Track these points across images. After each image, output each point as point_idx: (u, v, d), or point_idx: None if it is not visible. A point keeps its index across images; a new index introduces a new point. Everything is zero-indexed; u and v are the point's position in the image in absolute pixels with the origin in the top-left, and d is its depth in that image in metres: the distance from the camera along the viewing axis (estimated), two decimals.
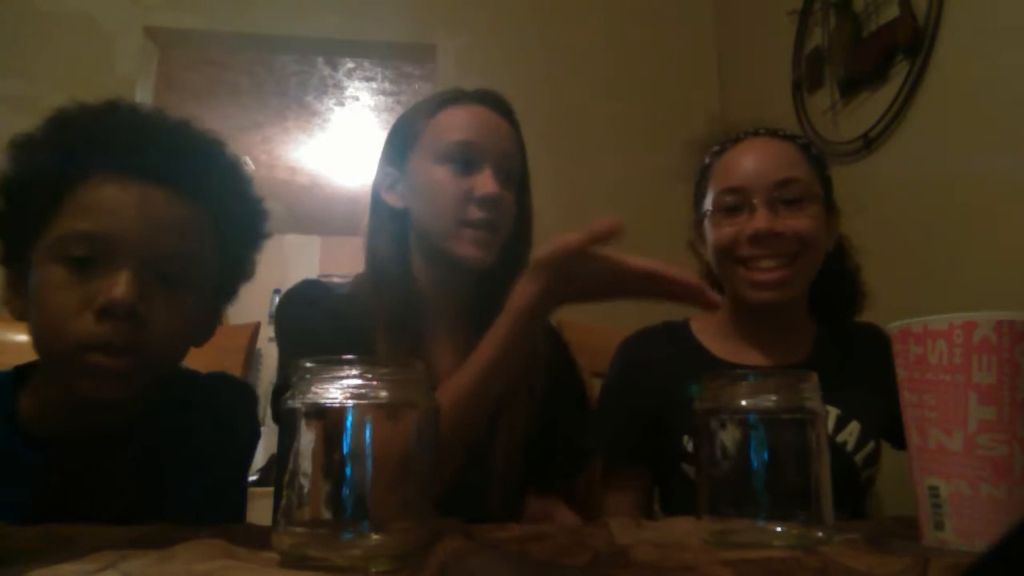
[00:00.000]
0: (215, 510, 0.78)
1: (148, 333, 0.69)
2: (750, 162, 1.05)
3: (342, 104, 4.16)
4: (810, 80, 2.06)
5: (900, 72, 1.67)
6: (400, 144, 1.06)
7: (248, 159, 4.90)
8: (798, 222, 1.01)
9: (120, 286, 0.67)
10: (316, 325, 0.94)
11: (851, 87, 1.86)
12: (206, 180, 0.76)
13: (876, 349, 1.09)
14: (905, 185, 1.65)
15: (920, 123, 1.62)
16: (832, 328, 1.13)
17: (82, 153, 0.71)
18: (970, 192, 1.46)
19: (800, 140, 1.10)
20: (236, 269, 0.84)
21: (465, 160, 1.00)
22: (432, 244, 1.01)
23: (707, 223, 1.08)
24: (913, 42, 1.63)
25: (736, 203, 1.04)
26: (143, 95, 2.53)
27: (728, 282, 1.08)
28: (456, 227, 0.98)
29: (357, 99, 4.09)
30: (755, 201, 1.02)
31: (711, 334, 1.12)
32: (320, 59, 3.61)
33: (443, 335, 1.03)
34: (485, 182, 0.98)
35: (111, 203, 0.70)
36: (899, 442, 1.05)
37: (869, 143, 1.75)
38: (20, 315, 0.74)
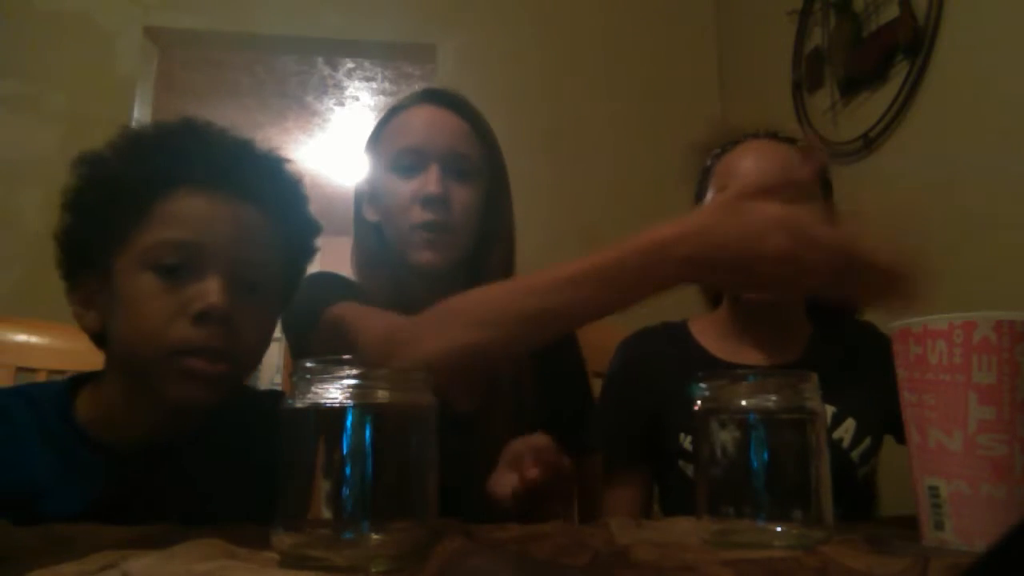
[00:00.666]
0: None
1: (239, 339, 0.72)
2: (749, 163, 1.06)
3: (342, 104, 4.16)
4: (810, 80, 2.06)
5: (900, 72, 1.67)
6: (368, 158, 1.08)
7: None
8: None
9: (215, 292, 0.70)
10: (341, 291, 0.96)
11: (851, 87, 1.86)
12: (278, 193, 0.80)
13: (874, 347, 1.10)
14: (907, 183, 1.65)
15: (920, 123, 1.63)
16: (828, 327, 1.13)
17: (166, 166, 0.74)
18: (970, 192, 1.46)
19: (799, 142, 1.11)
20: (293, 281, 0.87)
21: (409, 164, 1.00)
22: (396, 253, 1.02)
23: None
24: (913, 42, 1.63)
25: None
26: (143, 95, 2.53)
27: None
28: (407, 232, 0.99)
29: (357, 99, 4.09)
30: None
31: (709, 334, 1.13)
32: (320, 59, 3.61)
33: None
34: (427, 182, 0.98)
35: (200, 213, 0.73)
36: (902, 437, 1.06)
37: (869, 143, 1.75)
38: (93, 328, 0.76)
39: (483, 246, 1.05)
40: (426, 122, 1.02)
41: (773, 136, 1.10)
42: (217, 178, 0.74)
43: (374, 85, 3.92)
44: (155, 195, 0.73)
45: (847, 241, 0.62)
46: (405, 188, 0.99)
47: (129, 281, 0.72)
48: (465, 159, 1.01)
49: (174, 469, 0.76)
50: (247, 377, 0.80)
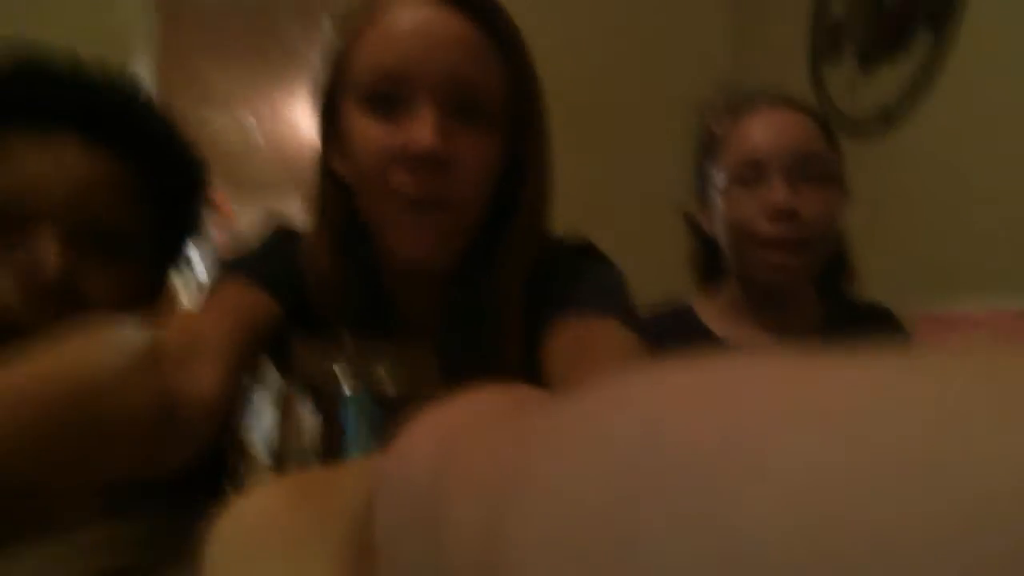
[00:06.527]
0: None
1: (87, 304, 0.65)
2: (770, 133, 1.00)
3: None
4: (828, 50, 2.00)
5: (925, 40, 1.61)
6: (331, 79, 0.71)
7: (253, 120, 4.85)
8: (817, 206, 0.97)
9: (49, 254, 0.62)
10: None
11: (872, 57, 1.80)
12: (124, 128, 0.70)
13: (883, 330, 1.07)
14: (930, 161, 1.60)
15: (946, 95, 1.56)
16: (838, 303, 1.10)
17: None
18: (998, 170, 1.41)
19: (816, 114, 1.06)
20: (175, 224, 0.78)
21: (388, 97, 0.64)
22: (370, 232, 0.71)
23: (720, 196, 1.04)
24: (938, 9, 1.57)
25: (754, 176, 0.99)
26: (146, 59, 2.49)
27: (739, 260, 1.05)
28: (383, 203, 0.66)
29: None
30: (774, 175, 0.98)
31: (716, 316, 1.10)
32: (326, 15, 3.54)
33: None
34: (414, 129, 0.63)
35: (31, 163, 0.65)
36: None
37: (889, 117, 1.70)
38: None
39: (499, 222, 0.72)
40: (418, 32, 0.64)
41: (789, 103, 1.04)
42: (53, 120, 0.66)
43: None
44: None
45: None
46: (381, 136, 0.64)
47: None
48: (476, 88, 0.65)
49: None
50: None
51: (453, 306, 0.74)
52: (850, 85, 1.88)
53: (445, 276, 0.73)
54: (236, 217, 6.31)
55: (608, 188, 2.39)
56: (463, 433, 0.19)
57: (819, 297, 1.10)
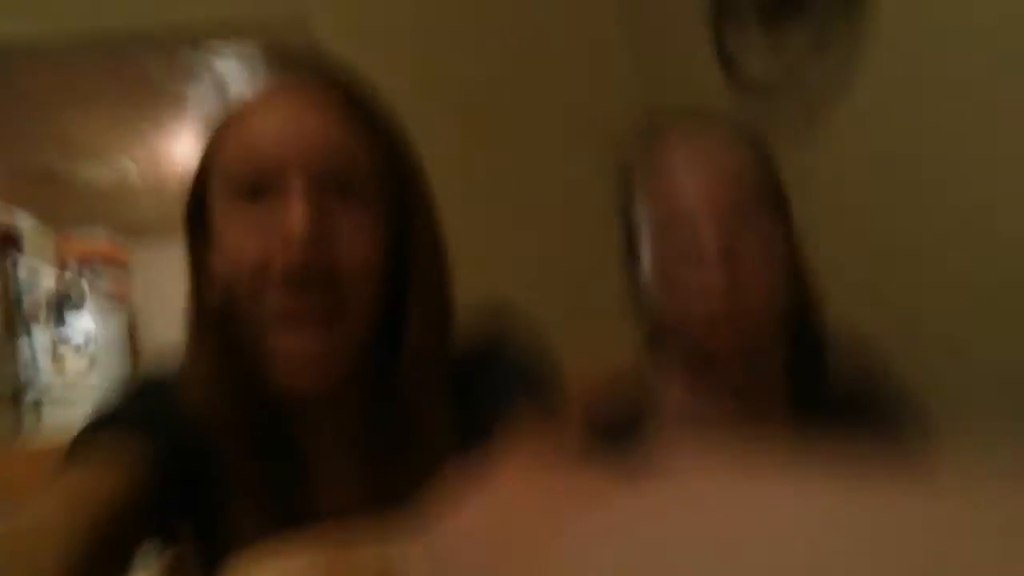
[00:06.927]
0: None
1: None
2: (689, 173, 0.83)
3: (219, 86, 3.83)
4: (729, 11, 1.88)
5: None
6: (196, 189, 0.68)
7: (131, 162, 4.51)
8: (757, 249, 0.81)
9: None
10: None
11: (776, 18, 1.69)
12: None
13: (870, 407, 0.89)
14: (854, 131, 1.50)
15: (869, 54, 1.45)
16: (810, 382, 0.90)
17: None
18: (939, 142, 1.29)
19: (740, 131, 0.89)
20: None
21: (256, 191, 0.62)
22: (251, 344, 0.63)
23: (648, 254, 0.87)
24: None
25: (676, 222, 0.83)
26: None
27: (680, 338, 0.87)
28: (259, 304, 0.61)
29: (234, 79, 3.76)
30: (702, 219, 0.81)
31: (673, 384, 0.92)
32: (188, 47, 3.27)
33: (329, 469, 0.70)
34: (287, 213, 0.60)
35: None
36: None
37: (799, 80, 1.58)
38: None
39: (396, 316, 0.67)
40: (280, 124, 0.63)
41: (710, 127, 0.87)
42: None
43: (250, 63, 3.59)
44: None
45: None
46: (254, 229, 0.62)
47: None
48: (346, 170, 0.64)
49: None
50: None
51: (370, 424, 0.69)
52: (753, 48, 1.76)
53: (352, 397, 0.68)
54: (129, 261, 5.93)
55: (521, 193, 2.25)
56: (512, 531, 0.20)
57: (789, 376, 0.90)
